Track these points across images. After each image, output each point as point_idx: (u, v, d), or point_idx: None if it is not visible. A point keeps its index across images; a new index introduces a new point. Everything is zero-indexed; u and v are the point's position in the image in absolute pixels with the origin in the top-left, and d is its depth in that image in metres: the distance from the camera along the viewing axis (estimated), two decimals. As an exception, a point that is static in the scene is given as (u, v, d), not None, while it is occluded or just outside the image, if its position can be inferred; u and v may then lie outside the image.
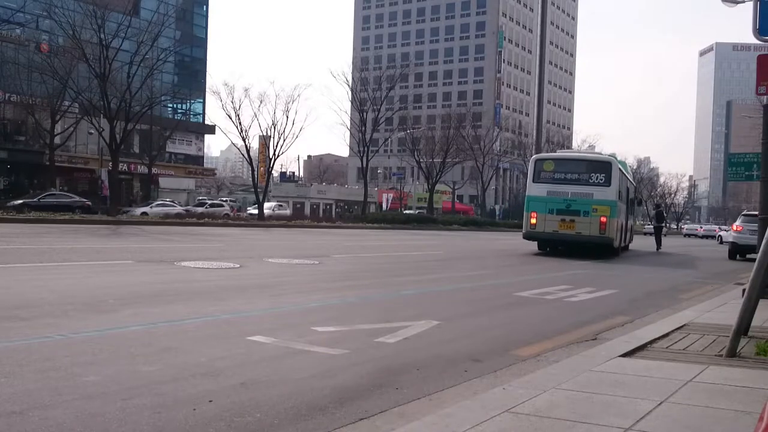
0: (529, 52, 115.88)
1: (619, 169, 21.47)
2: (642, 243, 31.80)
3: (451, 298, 9.41)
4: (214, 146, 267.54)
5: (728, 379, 4.56)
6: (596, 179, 20.24)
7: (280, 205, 54.93)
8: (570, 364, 4.94)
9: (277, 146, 41.77)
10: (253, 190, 46.51)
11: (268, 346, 5.29)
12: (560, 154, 27.01)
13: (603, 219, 19.91)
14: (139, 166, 52.80)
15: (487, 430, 3.29)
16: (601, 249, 20.67)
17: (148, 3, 52.88)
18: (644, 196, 75.55)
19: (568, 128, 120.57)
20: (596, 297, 10.07)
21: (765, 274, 5.58)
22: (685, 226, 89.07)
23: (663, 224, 34.50)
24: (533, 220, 20.72)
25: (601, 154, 26.39)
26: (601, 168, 20.47)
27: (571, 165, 21.14)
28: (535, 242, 21.90)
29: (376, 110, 50.87)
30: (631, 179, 29.78)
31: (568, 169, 20.82)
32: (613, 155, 23.93)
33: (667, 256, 25.35)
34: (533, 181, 21.08)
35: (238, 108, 40.16)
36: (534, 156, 24.44)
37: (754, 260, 5.92)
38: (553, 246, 21.90)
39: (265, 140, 46.61)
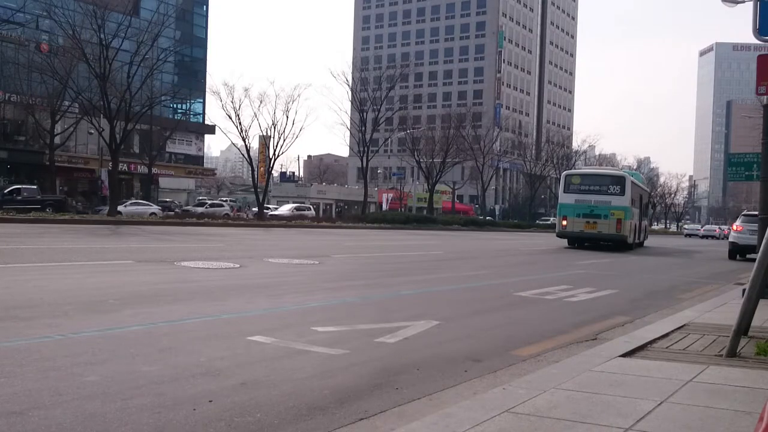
0: (529, 52, 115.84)
1: (632, 181, 26.51)
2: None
3: (450, 298, 9.41)
4: (214, 146, 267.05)
5: (728, 379, 4.56)
6: (613, 190, 25.18)
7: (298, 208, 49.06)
8: (570, 364, 4.94)
9: (277, 146, 41.81)
10: (253, 190, 46.48)
11: (268, 346, 5.29)
12: (585, 170, 32.19)
13: (618, 220, 24.74)
14: (139, 166, 52.78)
15: (487, 430, 3.29)
16: (617, 244, 25.53)
17: (148, 3, 52.89)
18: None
19: (568, 128, 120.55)
20: (596, 297, 10.07)
21: (765, 274, 5.58)
22: (686, 226, 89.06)
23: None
24: (564, 222, 25.82)
25: (617, 169, 33.40)
26: (617, 181, 25.55)
27: (593, 179, 26.23)
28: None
29: (376, 110, 50.85)
30: (644, 188, 35.13)
31: (592, 182, 25.88)
32: (628, 169, 32.15)
33: (667, 256, 25.36)
34: (564, 192, 26.23)
35: (238, 108, 40.22)
36: (564, 172, 29.85)
37: (754, 260, 5.93)
38: (580, 243, 26.58)
39: (265, 140, 46.62)
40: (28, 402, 3.59)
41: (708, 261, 23.90)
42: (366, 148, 49.27)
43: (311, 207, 53.96)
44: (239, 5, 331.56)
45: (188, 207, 49.75)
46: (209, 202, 52.09)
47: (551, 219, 74.52)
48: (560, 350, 5.72)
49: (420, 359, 5.16)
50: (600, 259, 19.81)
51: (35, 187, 36.43)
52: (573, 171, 31.33)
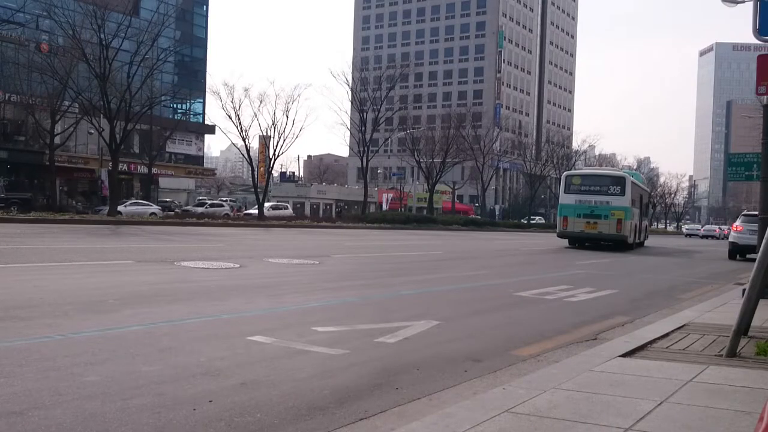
0: (529, 52, 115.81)
1: (632, 181, 26.69)
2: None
3: (450, 298, 9.41)
4: (214, 146, 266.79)
5: (728, 379, 4.56)
6: (613, 190, 25.42)
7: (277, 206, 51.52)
8: (570, 364, 4.94)
9: (277, 146, 41.79)
10: (253, 190, 46.48)
11: (268, 346, 5.29)
12: (585, 170, 32.59)
13: (619, 221, 25.02)
14: (139, 166, 52.77)
15: (487, 430, 3.29)
16: (618, 244, 25.80)
17: (148, 3, 52.89)
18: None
19: (568, 128, 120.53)
20: (596, 297, 10.07)
21: (765, 274, 5.58)
22: (686, 226, 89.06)
23: None
24: (565, 223, 26.09)
25: (617, 170, 34.15)
26: (617, 181, 25.77)
27: (594, 179, 26.44)
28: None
29: (376, 110, 50.85)
30: (645, 188, 35.34)
31: (592, 183, 26.10)
32: (628, 169, 32.99)
33: (668, 256, 25.35)
34: (564, 192, 26.46)
35: (238, 108, 40.19)
36: (565, 173, 29.73)
37: (754, 260, 5.93)
38: (580, 243, 26.80)
39: (265, 140, 46.60)
40: (28, 402, 3.59)
41: (708, 261, 23.90)
42: (366, 148, 49.27)
43: (288, 206, 54.03)
44: (239, 5, 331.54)
45: (188, 207, 49.86)
46: (209, 202, 52.27)
47: (536, 218, 74.71)
48: (560, 350, 5.72)
49: (420, 359, 5.16)
50: (600, 259, 19.81)
51: (0, 185, 36.56)
52: (573, 171, 31.54)
